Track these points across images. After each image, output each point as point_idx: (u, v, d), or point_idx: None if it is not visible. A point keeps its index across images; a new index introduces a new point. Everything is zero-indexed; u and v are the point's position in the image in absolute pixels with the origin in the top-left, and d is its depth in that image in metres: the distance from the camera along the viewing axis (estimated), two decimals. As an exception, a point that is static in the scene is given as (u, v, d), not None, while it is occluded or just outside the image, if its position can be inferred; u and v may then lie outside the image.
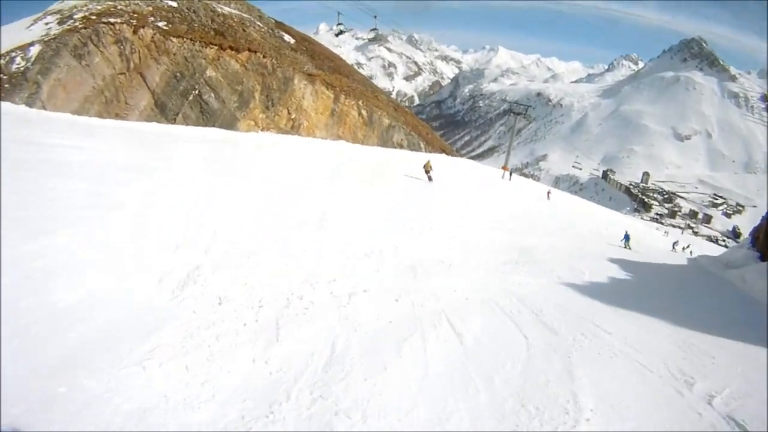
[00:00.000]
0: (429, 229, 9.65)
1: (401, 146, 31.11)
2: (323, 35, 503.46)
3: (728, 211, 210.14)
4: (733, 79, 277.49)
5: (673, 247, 26.10)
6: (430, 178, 17.17)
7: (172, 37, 18.31)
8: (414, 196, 14.29)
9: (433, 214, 11.49)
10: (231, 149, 15.83)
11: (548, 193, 28.71)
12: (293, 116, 23.78)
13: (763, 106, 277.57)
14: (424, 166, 17.21)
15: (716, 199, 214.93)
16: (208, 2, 23.40)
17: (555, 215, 19.52)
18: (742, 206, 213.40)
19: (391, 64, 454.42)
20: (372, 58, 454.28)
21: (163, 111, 17.97)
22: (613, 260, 10.73)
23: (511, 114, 38.75)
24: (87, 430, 2.55)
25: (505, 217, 14.30)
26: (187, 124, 18.45)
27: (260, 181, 11.33)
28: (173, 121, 18.16)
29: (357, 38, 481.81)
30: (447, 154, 36.71)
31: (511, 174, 32.55)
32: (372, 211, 10.53)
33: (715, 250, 29.79)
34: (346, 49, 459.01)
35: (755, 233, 11.02)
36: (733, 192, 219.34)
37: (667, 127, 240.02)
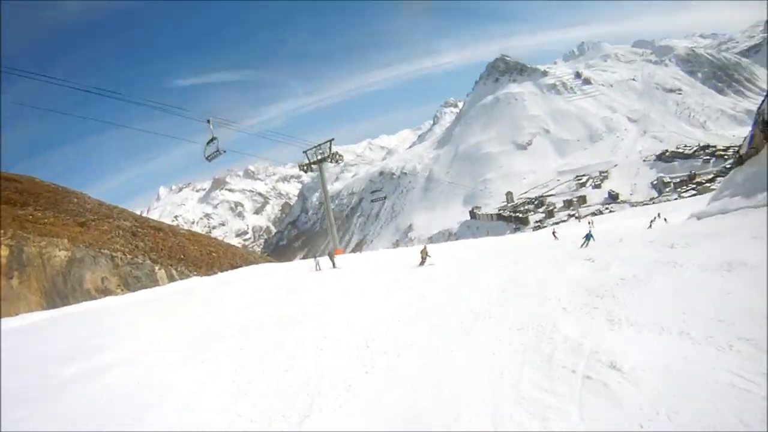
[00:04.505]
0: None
1: (101, 292, 18.35)
2: (165, 198, 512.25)
3: (596, 182, 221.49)
4: (545, 74, 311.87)
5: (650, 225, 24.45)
6: (423, 261, 16.76)
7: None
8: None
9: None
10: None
11: (553, 232, 28.24)
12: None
13: (580, 81, 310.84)
14: (421, 252, 17.16)
15: (580, 179, 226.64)
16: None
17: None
18: (606, 171, 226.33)
19: (238, 204, 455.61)
20: (218, 204, 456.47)
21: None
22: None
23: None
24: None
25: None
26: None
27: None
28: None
29: (197, 191, 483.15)
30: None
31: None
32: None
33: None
34: (190, 205, 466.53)
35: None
36: (590, 165, 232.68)
37: (508, 144, 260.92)
